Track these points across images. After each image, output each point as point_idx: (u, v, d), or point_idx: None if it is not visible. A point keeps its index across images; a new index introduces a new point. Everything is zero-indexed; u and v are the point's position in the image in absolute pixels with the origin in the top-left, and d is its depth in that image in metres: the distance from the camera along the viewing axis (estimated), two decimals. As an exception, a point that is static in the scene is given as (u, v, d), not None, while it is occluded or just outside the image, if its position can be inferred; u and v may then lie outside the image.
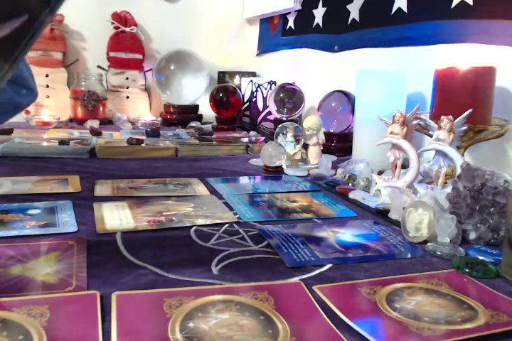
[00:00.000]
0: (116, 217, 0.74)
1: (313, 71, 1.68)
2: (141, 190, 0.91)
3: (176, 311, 0.46)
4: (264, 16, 1.98)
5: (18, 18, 0.38)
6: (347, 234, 0.70)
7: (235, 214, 0.79)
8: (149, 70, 1.98)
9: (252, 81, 1.75)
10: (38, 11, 0.39)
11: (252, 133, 1.61)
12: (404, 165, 0.86)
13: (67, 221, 0.71)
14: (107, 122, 1.84)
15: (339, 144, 1.34)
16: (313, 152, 1.18)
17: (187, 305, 0.47)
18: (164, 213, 0.77)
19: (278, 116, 1.50)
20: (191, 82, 1.88)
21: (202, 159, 1.24)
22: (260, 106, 1.67)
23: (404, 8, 1.17)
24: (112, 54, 1.93)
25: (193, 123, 1.81)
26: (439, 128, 0.81)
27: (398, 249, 0.66)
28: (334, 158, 1.24)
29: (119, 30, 1.92)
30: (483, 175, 0.67)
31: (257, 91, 1.70)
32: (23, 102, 1.19)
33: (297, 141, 1.17)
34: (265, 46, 2.06)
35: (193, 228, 0.71)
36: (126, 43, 1.93)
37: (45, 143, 1.27)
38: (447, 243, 0.65)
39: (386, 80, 1.10)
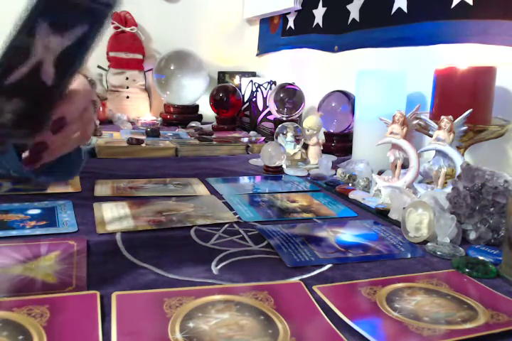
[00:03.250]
0: (116, 217, 0.74)
1: (313, 71, 1.68)
2: (141, 190, 0.91)
3: (175, 311, 0.46)
4: (264, 16, 1.98)
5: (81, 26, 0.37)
6: (347, 234, 0.70)
7: (235, 214, 0.79)
8: (149, 70, 1.98)
9: (252, 81, 1.75)
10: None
11: (252, 133, 1.61)
12: (404, 165, 0.86)
13: (67, 221, 0.71)
14: (107, 122, 1.84)
15: (339, 144, 1.33)
16: (313, 152, 1.18)
17: (187, 305, 0.47)
18: (164, 213, 0.77)
19: (278, 116, 1.50)
20: (191, 82, 1.88)
21: (202, 159, 1.24)
22: (260, 106, 1.67)
23: (404, 8, 1.17)
24: (111, 54, 1.93)
25: (193, 123, 1.80)
26: (439, 128, 0.81)
27: (398, 249, 0.66)
28: (334, 158, 1.24)
29: (119, 30, 1.92)
30: (483, 175, 0.67)
31: (257, 91, 1.70)
32: None
33: (297, 141, 1.17)
34: (265, 46, 2.06)
35: (193, 228, 0.71)
36: (126, 43, 1.93)
37: (45, 143, 1.27)
38: (447, 243, 0.65)
39: (386, 80, 1.10)
